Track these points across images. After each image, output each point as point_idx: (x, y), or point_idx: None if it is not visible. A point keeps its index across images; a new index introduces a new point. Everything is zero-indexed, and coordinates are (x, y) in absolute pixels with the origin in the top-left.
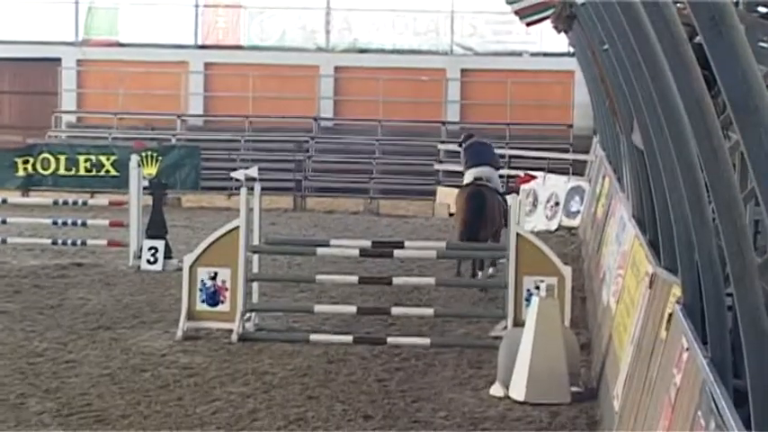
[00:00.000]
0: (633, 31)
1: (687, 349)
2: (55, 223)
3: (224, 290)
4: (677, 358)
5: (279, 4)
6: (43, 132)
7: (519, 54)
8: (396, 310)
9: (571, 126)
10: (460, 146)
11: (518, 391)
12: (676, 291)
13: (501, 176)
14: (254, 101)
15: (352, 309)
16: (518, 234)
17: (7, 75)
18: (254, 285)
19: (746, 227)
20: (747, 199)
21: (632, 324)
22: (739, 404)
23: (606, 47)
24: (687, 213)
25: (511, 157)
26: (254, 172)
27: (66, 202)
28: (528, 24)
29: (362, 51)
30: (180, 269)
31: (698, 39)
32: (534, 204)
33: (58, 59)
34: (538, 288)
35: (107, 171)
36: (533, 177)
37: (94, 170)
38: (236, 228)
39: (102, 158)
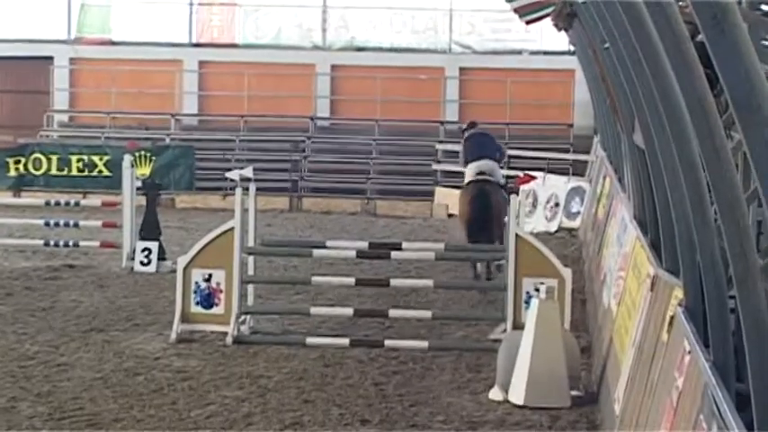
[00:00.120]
0: (634, 29)
1: (689, 352)
2: (47, 224)
3: (219, 292)
4: (679, 361)
5: (274, 2)
6: (35, 132)
7: (518, 52)
8: (393, 313)
9: (571, 126)
10: (463, 133)
11: (517, 395)
12: (678, 293)
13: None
14: (250, 100)
15: (349, 311)
16: (517, 235)
17: None
18: (250, 287)
19: (749, 228)
20: (750, 199)
21: (633, 327)
22: (742, 408)
23: (607, 45)
24: (689, 214)
25: (510, 157)
26: (249, 172)
27: (58, 203)
28: (528, 22)
29: (360, 50)
30: (174, 271)
31: (700, 37)
32: (534, 205)
33: (51, 58)
34: (537, 290)
35: (100, 171)
36: (533, 178)
37: (87, 170)
38: (231, 229)
39: (95, 158)
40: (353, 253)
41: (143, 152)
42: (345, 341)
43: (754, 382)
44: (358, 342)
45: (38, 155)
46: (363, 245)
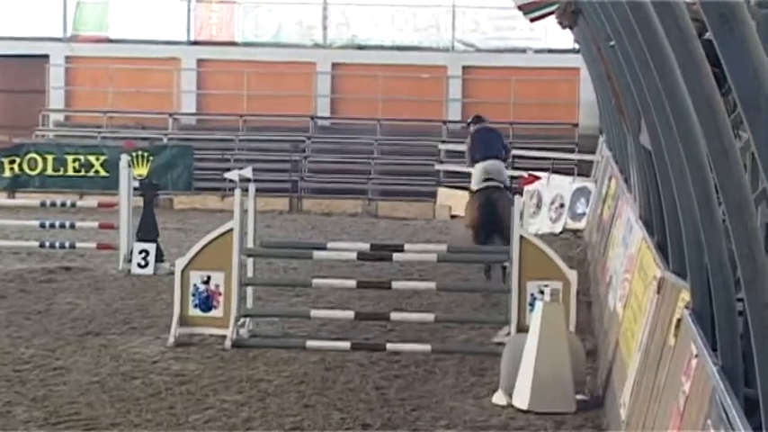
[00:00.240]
0: (641, 27)
1: (696, 356)
2: (42, 225)
3: (217, 294)
4: (686, 365)
5: None
6: (30, 131)
7: (522, 50)
8: (395, 316)
9: (576, 125)
10: (468, 126)
11: (521, 400)
12: (685, 295)
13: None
14: (249, 99)
15: (350, 314)
16: (521, 237)
17: None
18: (249, 290)
19: (758, 229)
20: (759, 200)
21: (640, 330)
22: (750, 413)
23: (613, 43)
24: (696, 215)
25: (514, 157)
26: (248, 172)
27: (53, 204)
28: (532, 20)
29: (361, 48)
30: (172, 273)
31: (708, 35)
32: (538, 206)
33: (46, 56)
34: (542, 293)
35: (96, 172)
36: (537, 178)
37: (83, 170)
38: (230, 230)
39: (92, 158)
40: (354, 255)
41: (140, 152)
42: (346, 344)
43: (762, 387)
44: (359, 345)
45: (33, 155)
46: (365, 246)
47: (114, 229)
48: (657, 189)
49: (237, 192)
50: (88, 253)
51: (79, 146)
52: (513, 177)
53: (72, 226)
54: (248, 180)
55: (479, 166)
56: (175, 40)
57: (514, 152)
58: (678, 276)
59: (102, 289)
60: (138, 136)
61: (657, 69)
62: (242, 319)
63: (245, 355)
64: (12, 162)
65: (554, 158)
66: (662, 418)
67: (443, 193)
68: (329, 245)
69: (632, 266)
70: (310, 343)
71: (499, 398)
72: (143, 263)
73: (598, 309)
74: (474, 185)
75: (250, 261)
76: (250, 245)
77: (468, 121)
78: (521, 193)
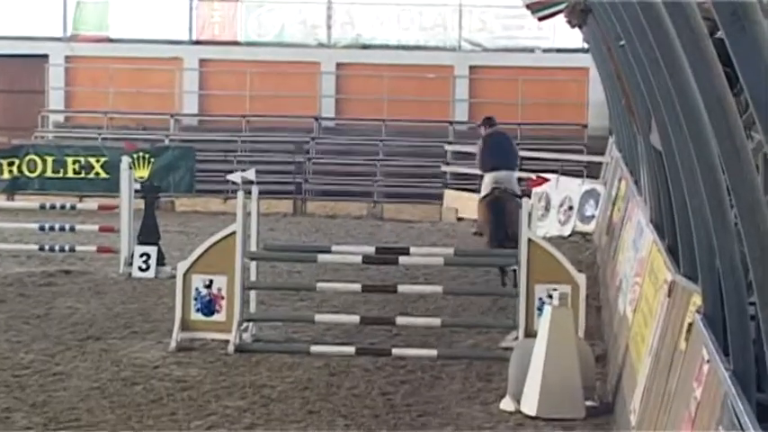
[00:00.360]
0: (651, 26)
1: (708, 361)
2: (42, 228)
3: (220, 298)
4: (697, 370)
5: None
6: (29, 133)
7: (531, 50)
8: (401, 320)
9: (586, 126)
10: (479, 127)
11: (530, 406)
12: (696, 299)
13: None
14: (252, 99)
15: (355, 318)
16: (530, 240)
17: None
18: (252, 294)
19: None
20: None
21: (650, 334)
22: (763, 419)
23: (623, 42)
24: (708, 217)
25: (522, 158)
26: (251, 174)
27: (53, 206)
28: (540, 19)
29: (366, 47)
30: (173, 277)
31: (719, 34)
32: (547, 208)
33: (45, 56)
34: (551, 297)
35: (97, 173)
36: (546, 180)
37: (83, 172)
38: (233, 233)
39: (92, 160)
40: (359, 258)
41: (141, 153)
42: (351, 349)
43: None
44: (364, 350)
45: (32, 156)
46: (370, 250)
47: (115, 232)
48: (668, 191)
49: (240, 194)
50: (88, 256)
51: (79, 147)
52: (520, 179)
53: (72, 229)
54: (251, 182)
55: (490, 176)
56: (177, 40)
57: (522, 154)
58: (689, 280)
59: (102, 293)
60: (139, 137)
61: (668, 69)
62: (245, 324)
63: (248, 361)
64: (11, 164)
65: (563, 160)
66: (673, 424)
67: (450, 196)
68: (334, 248)
69: (643, 270)
70: (314, 348)
71: (507, 404)
72: (144, 266)
73: (608, 313)
74: (483, 193)
75: (253, 264)
76: (253, 248)
77: (479, 123)
78: (529, 196)
